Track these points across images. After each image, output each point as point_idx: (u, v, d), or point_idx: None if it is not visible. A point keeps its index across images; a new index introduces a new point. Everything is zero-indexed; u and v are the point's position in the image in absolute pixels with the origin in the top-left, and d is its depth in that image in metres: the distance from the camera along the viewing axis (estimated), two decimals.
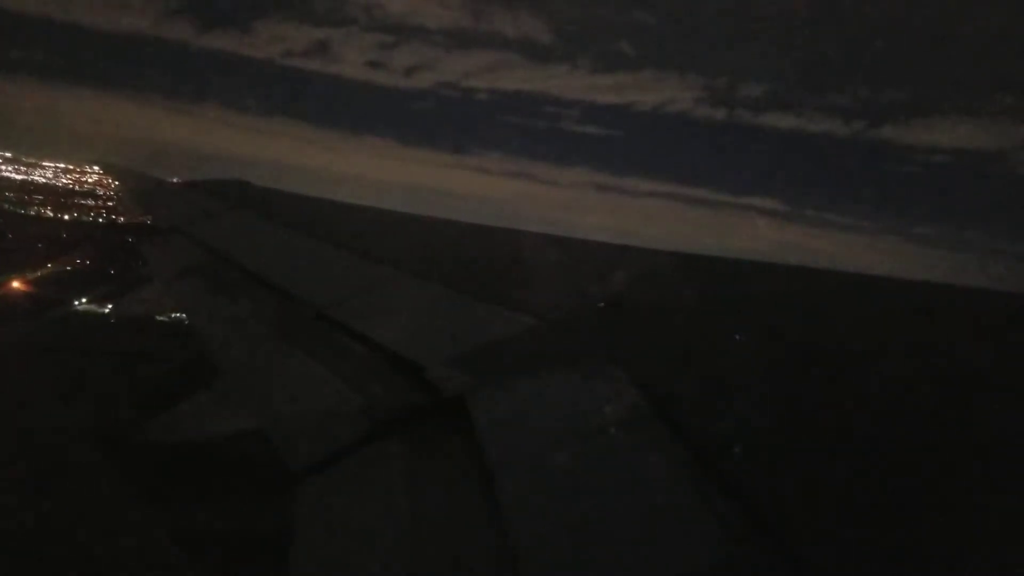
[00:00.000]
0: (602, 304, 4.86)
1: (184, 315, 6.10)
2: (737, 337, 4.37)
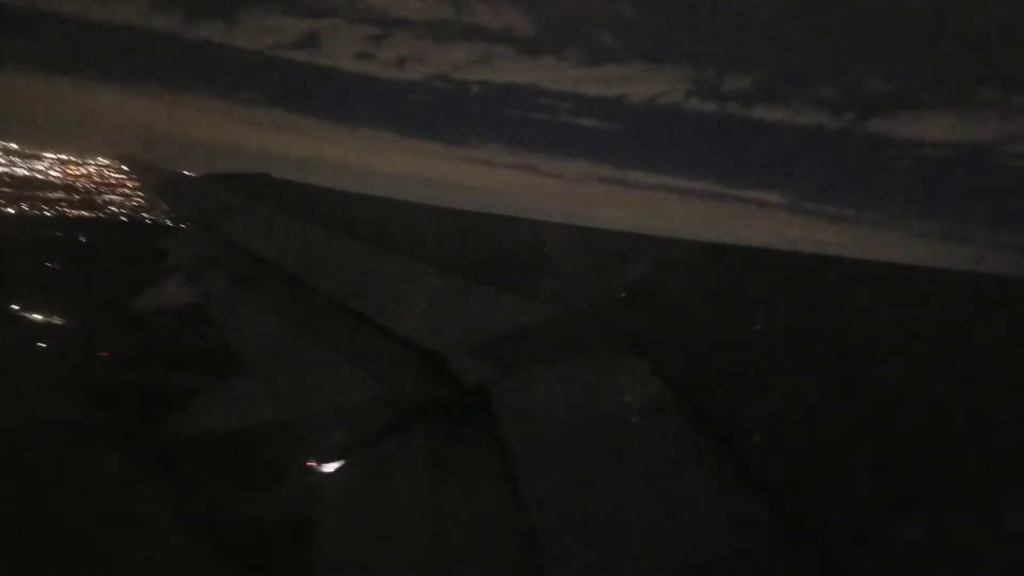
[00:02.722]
0: (623, 293, 4.85)
1: (206, 308, 6.15)
2: (757, 327, 4.35)
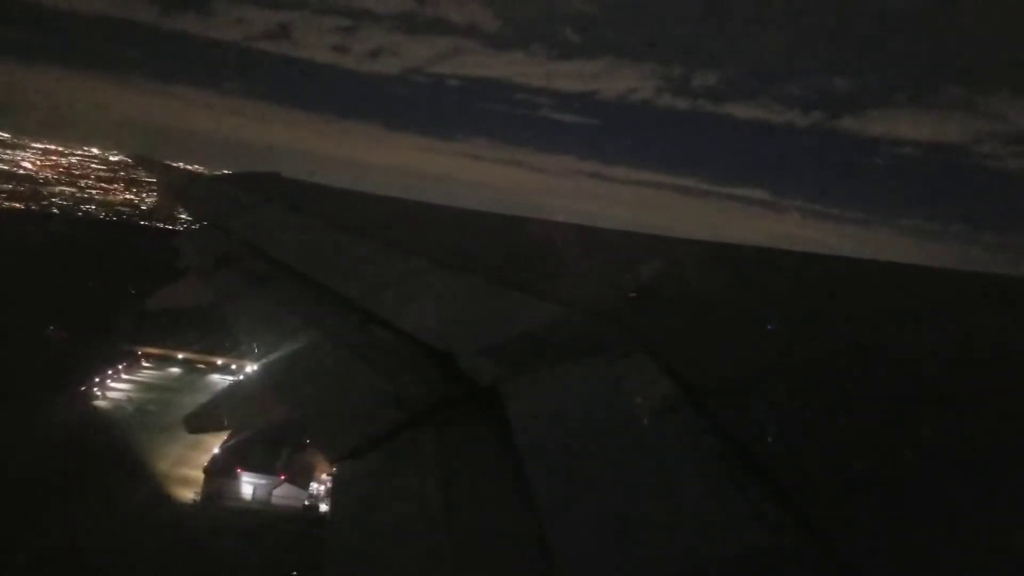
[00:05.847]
0: (633, 293, 4.85)
1: (219, 307, 6.20)
2: (769, 327, 4.34)
